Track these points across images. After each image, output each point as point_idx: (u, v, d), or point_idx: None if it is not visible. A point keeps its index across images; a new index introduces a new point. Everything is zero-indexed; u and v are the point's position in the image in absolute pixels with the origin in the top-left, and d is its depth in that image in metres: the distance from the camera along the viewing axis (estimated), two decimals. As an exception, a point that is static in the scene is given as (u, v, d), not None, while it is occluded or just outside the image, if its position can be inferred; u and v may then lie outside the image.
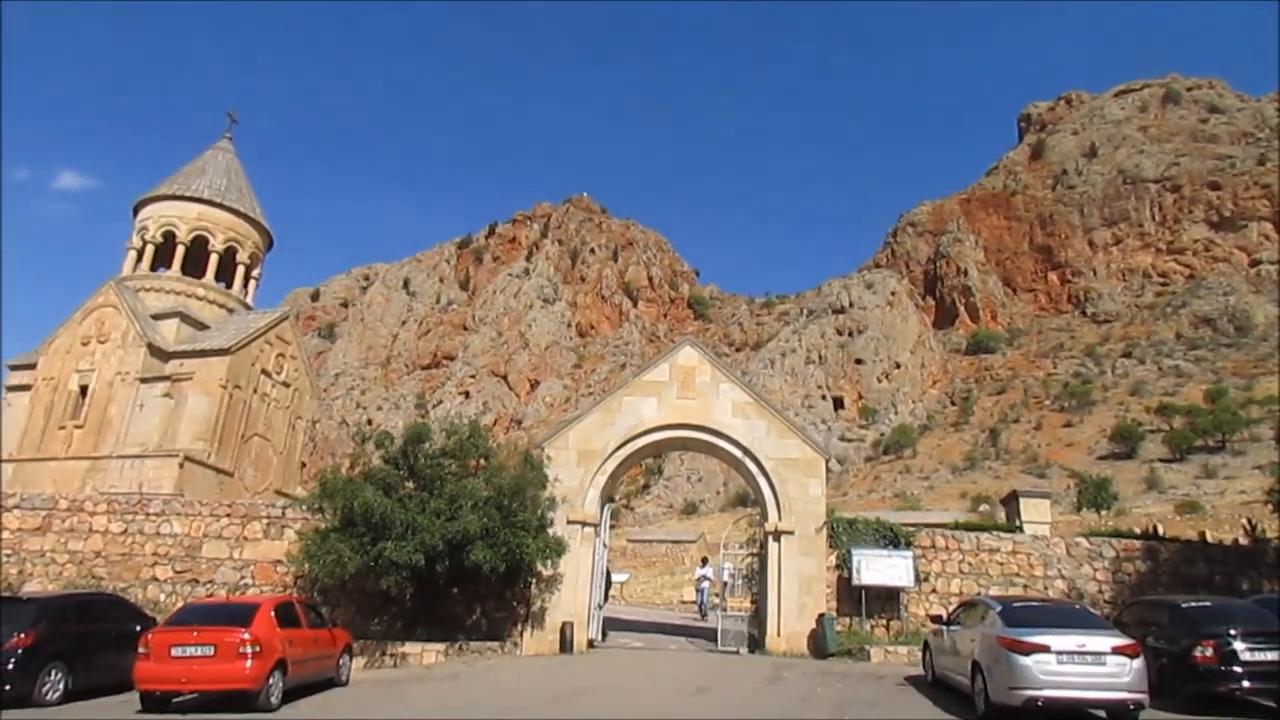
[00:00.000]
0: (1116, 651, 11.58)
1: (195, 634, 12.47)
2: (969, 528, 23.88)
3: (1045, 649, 11.54)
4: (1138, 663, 11.58)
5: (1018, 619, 12.32)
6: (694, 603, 34.48)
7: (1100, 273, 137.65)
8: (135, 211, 34.88)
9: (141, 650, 12.51)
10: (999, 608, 12.80)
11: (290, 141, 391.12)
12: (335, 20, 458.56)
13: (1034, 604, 13.44)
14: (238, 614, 13.02)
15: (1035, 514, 24.78)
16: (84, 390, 30.64)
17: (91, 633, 13.84)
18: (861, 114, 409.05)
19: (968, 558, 21.00)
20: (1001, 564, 20.94)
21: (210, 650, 12.34)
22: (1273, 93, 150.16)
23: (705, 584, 32.17)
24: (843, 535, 20.69)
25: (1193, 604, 13.91)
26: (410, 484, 18.64)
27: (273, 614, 13.25)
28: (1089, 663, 11.52)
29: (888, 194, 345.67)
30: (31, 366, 31.70)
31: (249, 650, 12.34)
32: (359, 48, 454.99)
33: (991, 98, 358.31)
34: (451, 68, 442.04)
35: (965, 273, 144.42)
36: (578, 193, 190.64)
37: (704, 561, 33.09)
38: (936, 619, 15.35)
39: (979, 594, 18.55)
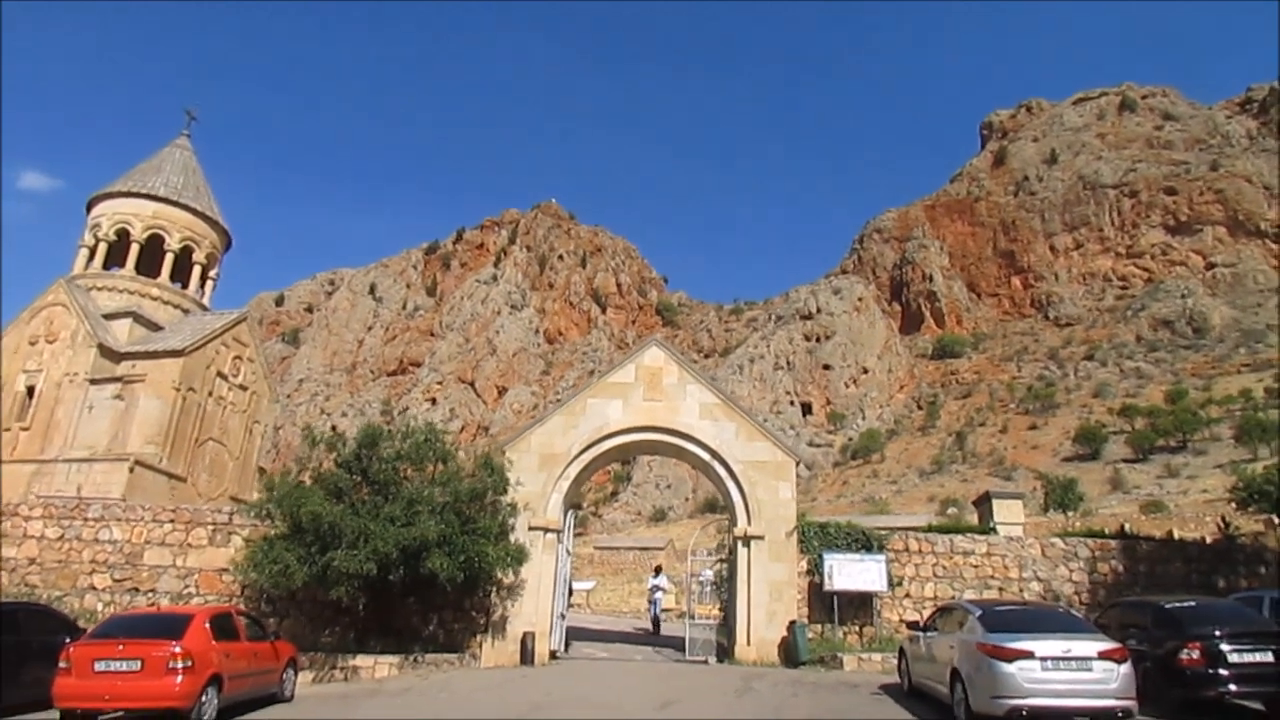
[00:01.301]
0: (1103, 656, 10.87)
1: (121, 647, 11.37)
2: (942, 530, 23.28)
3: (1029, 655, 10.80)
4: (1125, 668, 10.89)
5: (998, 624, 11.59)
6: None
7: (1062, 277, 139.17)
8: (89, 209, 33.73)
9: (62, 665, 11.37)
10: (978, 612, 12.07)
11: (254, 142, 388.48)
12: (303, 20, 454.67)
13: (1014, 608, 12.73)
14: (168, 626, 11.94)
15: (1008, 515, 24.25)
16: (31, 391, 29.46)
17: (11, 645, 12.72)
18: (828, 122, 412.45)
19: (941, 561, 20.37)
20: (976, 567, 20.34)
21: (137, 665, 11.24)
22: (1221, 102, 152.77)
23: (659, 595, 30.19)
24: (814, 540, 19.99)
25: (1176, 604, 13.22)
26: (364, 489, 17.67)
27: (207, 625, 12.18)
28: (1075, 669, 10.80)
29: (854, 201, 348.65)
30: (-25, 368, 30.38)
31: (179, 665, 11.26)
32: (325, 49, 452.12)
33: (955, 106, 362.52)
34: (419, 71, 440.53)
35: (930, 278, 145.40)
36: (546, 199, 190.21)
37: (657, 571, 31.26)
38: (913, 625, 14.61)
39: (955, 598, 17.89)
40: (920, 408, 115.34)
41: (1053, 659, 10.77)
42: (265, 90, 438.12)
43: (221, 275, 36.22)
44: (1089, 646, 10.92)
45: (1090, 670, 10.77)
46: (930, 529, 24.36)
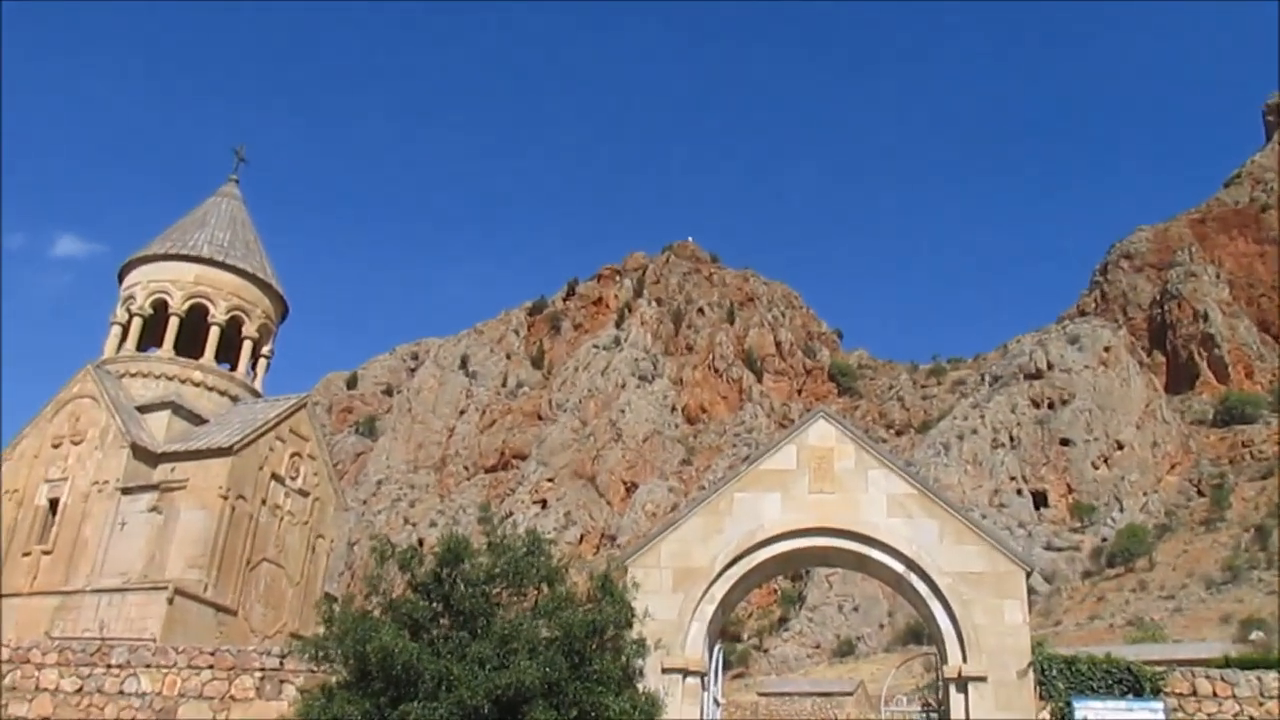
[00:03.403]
0: None
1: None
2: (1245, 664, 21.64)
3: None
4: None
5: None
6: None
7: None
8: (120, 277, 35.85)
9: None
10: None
11: (315, 189, 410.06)
12: (371, 33, 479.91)
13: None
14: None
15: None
16: (54, 505, 30.86)
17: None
18: (1047, 118, 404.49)
19: (1248, 709, 18.83)
20: (1301, 719, 18.68)
21: None
22: None
23: None
24: (1058, 681, 18.92)
25: None
26: (445, 620, 17.51)
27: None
28: None
29: (1092, 219, 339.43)
30: (-9, 478, 32.15)
31: None
32: (399, 66, 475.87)
33: (1228, 87, 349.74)
34: (513, 87, 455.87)
35: (1205, 317, 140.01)
36: (680, 238, 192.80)
37: None
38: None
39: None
40: (1201, 493, 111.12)
41: None
42: (327, 123, 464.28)
43: (277, 352, 37.56)
44: None
45: None
46: (1228, 662, 23.06)
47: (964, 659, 18.92)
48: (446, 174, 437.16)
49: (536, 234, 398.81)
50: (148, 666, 20.31)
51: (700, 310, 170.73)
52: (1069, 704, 18.54)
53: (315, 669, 18.64)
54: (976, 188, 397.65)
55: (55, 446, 31.60)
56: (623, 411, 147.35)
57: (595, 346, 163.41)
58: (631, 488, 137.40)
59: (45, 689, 20.32)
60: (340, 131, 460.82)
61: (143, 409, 32.21)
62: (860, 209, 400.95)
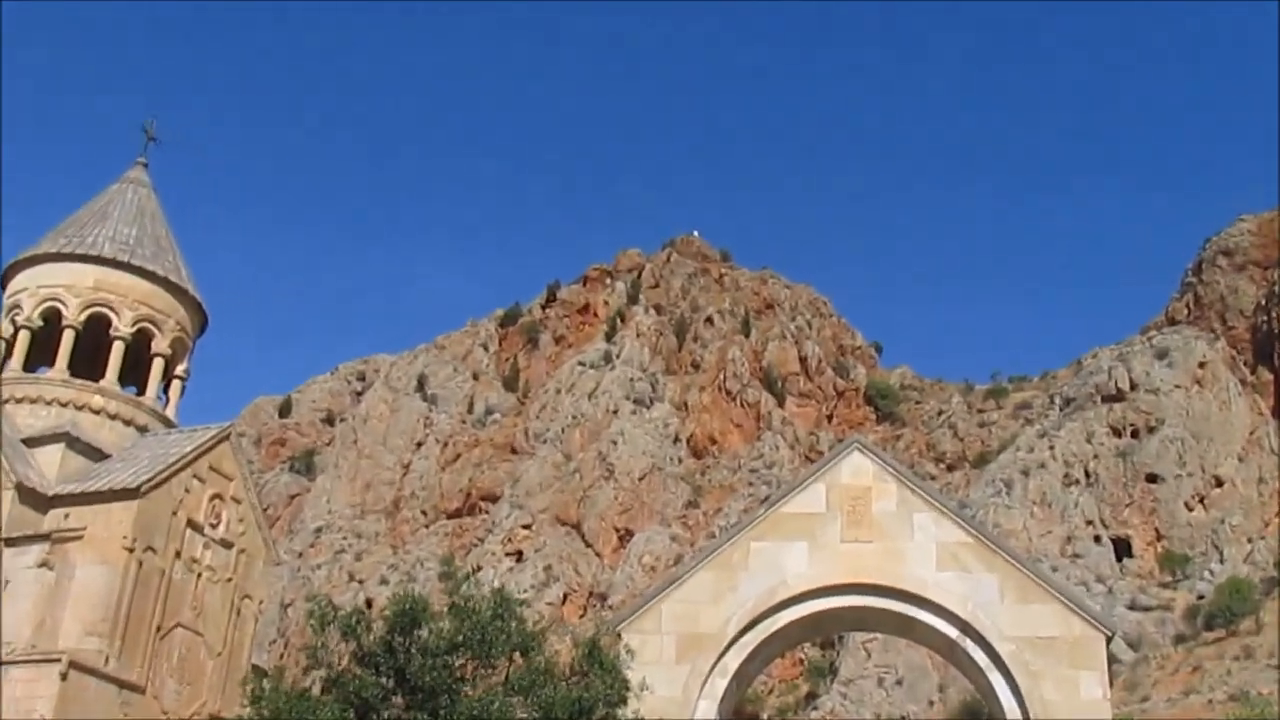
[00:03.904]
0: None
1: None
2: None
3: None
4: None
5: None
6: None
7: None
8: (3, 283, 35.49)
9: None
10: None
11: (246, 177, 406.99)
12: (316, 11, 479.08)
13: None
14: None
15: None
16: (-76, 563, 30.70)
17: None
18: (1125, 102, 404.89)
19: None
20: None
21: None
22: None
23: None
24: (1146, 770, 18.91)
25: None
26: (399, 698, 17.55)
27: None
28: None
29: (1180, 208, 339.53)
30: None
31: None
32: (339, 47, 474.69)
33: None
34: (479, 61, 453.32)
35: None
36: (684, 232, 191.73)
37: None
38: None
39: None
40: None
41: None
42: (256, 101, 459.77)
43: (195, 373, 37.30)
44: None
45: None
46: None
47: (1031, 743, 19.05)
48: (401, 159, 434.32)
49: (509, 228, 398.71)
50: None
51: (708, 319, 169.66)
52: (1159, 798, 18.53)
53: (240, 760, 18.66)
54: (1043, 172, 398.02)
55: (-75, 491, 31.43)
56: (615, 443, 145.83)
57: (581, 364, 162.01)
58: (626, 536, 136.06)
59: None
60: (272, 112, 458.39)
61: (31, 442, 31.79)
62: (901, 199, 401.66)
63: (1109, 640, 20.15)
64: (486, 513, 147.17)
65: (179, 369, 35.91)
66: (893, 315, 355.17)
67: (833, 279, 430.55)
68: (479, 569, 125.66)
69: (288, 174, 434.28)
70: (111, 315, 34.07)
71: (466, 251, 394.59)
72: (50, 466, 31.41)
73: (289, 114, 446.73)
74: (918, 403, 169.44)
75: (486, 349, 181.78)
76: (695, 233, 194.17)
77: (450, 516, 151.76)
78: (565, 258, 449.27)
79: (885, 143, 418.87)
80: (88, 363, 33.98)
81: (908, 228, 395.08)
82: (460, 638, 18.08)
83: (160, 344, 34.82)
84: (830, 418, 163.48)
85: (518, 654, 18.28)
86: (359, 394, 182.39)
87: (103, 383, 33.71)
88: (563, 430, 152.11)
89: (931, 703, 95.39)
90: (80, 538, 29.83)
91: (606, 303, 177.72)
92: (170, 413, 35.27)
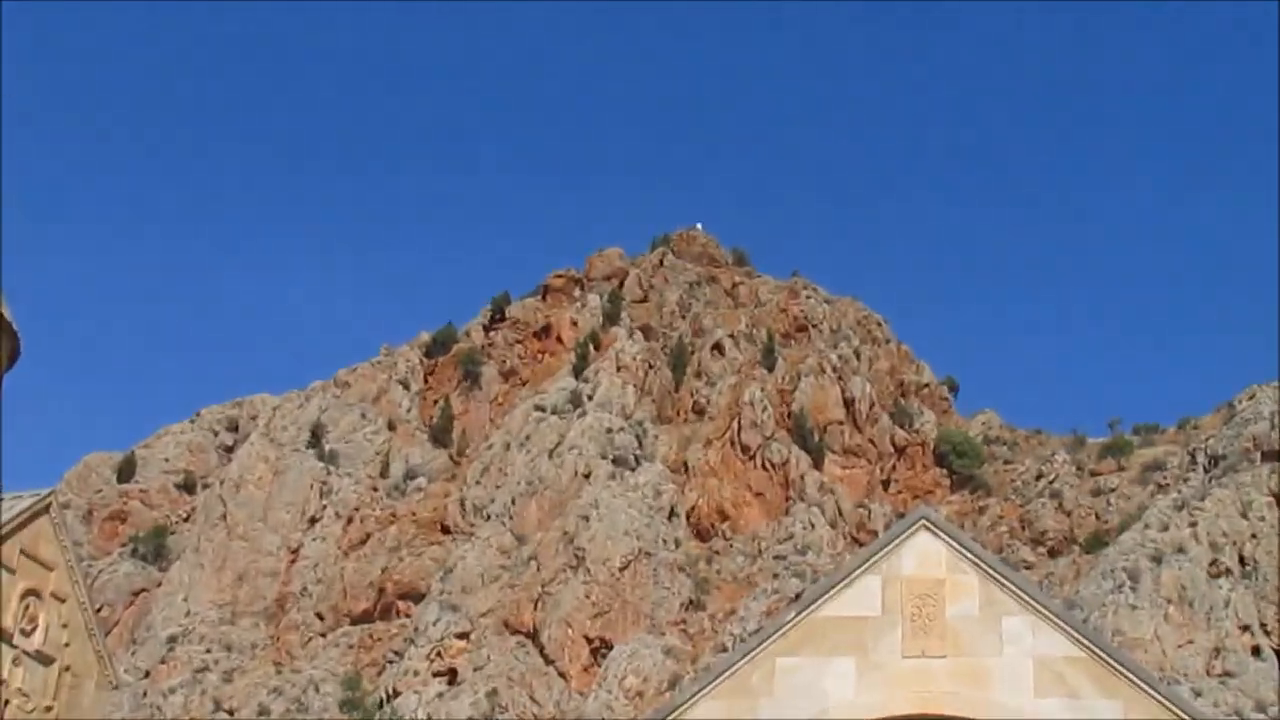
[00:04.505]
0: None
1: None
2: None
3: None
4: None
5: None
6: None
7: None
8: None
9: None
10: None
11: (81, 174, 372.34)
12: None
13: None
14: None
15: None
16: None
17: None
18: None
19: None
20: None
21: None
22: None
23: None
24: None
25: None
26: None
27: None
28: None
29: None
30: None
31: None
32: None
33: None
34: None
35: None
36: (685, 225, 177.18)
37: None
38: None
39: None
40: None
41: None
42: (99, 84, 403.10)
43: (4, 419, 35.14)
44: None
45: None
46: None
47: None
48: (294, 147, 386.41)
49: (437, 224, 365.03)
50: None
51: (717, 346, 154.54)
52: None
53: None
54: (1171, 166, 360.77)
55: None
56: (586, 518, 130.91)
57: (540, 409, 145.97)
58: (602, 649, 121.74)
59: None
60: (110, 97, 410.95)
61: None
62: (982, 195, 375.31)
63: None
64: (407, 616, 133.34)
65: (-19, 415, 34.23)
66: (972, 342, 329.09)
67: (888, 292, 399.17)
68: (396, 695, 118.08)
69: (135, 170, 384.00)
70: None
71: (381, 253, 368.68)
72: None
73: (131, 98, 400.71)
74: (1008, 462, 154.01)
75: (407, 387, 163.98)
76: (699, 226, 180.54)
77: (356, 622, 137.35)
78: (518, 261, 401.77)
79: (969, 129, 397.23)
80: None
81: (992, 224, 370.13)
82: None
83: (-48, 379, 33.48)
84: (886, 484, 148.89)
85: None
86: (229, 449, 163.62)
87: (-126, 434, 33.16)
88: (513, 501, 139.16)
89: None
90: None
91: (575, 322, 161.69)
92: (-33, 473, 33.51)
